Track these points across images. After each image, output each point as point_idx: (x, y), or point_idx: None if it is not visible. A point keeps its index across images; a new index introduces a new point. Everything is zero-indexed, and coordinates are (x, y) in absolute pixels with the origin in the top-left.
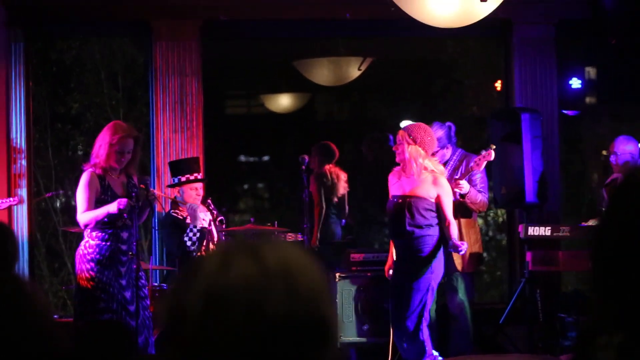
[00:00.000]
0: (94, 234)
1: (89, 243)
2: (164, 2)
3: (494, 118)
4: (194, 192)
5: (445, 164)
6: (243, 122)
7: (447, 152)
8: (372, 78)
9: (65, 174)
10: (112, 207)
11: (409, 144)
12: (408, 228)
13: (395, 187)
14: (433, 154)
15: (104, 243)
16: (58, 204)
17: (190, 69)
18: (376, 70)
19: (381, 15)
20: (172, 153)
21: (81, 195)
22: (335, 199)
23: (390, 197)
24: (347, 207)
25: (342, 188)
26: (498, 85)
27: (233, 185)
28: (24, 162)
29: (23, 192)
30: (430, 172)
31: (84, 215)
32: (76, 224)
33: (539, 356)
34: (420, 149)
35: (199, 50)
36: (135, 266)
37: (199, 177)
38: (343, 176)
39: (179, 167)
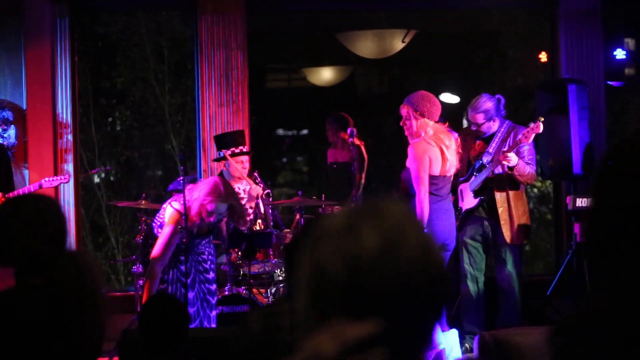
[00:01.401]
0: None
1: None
2: None
3: (540, 89)
4: (240, 165)
5: (492, 135)
6: (284, 96)
7: (494, 125)
8: (413, 51)
9: (108, 149)
10: None
11: (416, 118)
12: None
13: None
14: (443, 123)
15: None
16: (99, 179)
17: (235, 42)
18: (417, 44)
19: None
20: (218, 127)
21: None
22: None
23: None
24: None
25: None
26: (543, 56)
27: (271, 159)
28: (70, 137)
29: (69, 167)
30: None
31: None
32: (123, 198)
33: None
34: (428, 120)
35: (243, 23)
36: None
37: (245, 149)
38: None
39: (224, 141)
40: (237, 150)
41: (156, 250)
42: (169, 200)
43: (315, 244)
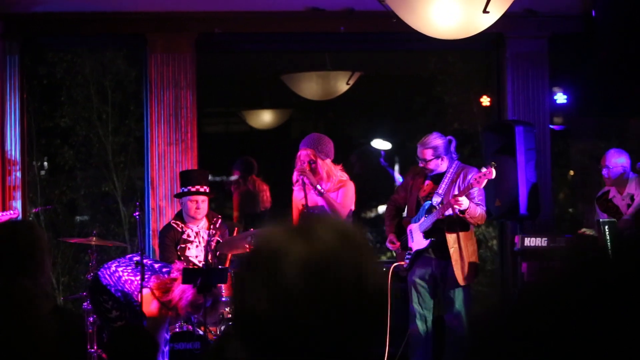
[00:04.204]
0: None
1: None
2: (159, 15)
3: (488, 131)
4: (194, 204)
5: (441, 175)
6: (220, 140)
7: (442, 164)
8: (350, 95)
9: (51, 189)
10: None
11: (322, 159)
12: None
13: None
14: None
15: None
16: (41, 219)
17: (185, 81)
18: (355, 87)
19: (374, 29)
20: (167, 165)
21: None
22: (259, 211)
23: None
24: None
25: (266, 201)
26: (484, 100)
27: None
28: (18, 174)
29: (18, 204)
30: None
31: None
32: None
33: None
34: (329, 161)
35: (193, 62)
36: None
37: (201, 189)
38: (265, 188)
39: (182, 178)
40: (193, 189)
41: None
42: (145, 283)
43: (240, 276)
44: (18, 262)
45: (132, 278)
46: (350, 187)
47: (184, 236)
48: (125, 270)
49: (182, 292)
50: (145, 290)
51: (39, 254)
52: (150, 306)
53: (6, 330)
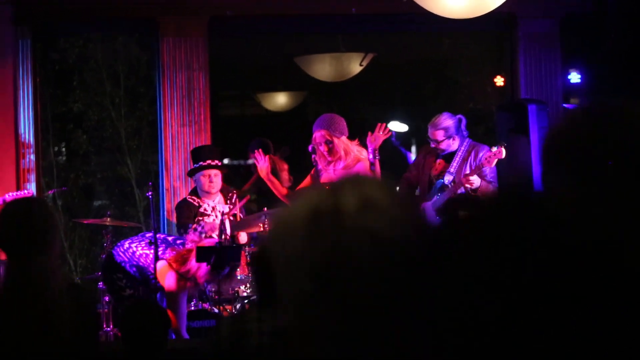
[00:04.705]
0: None
1: None
2: None
3: (501, 110)
4: (206, 179)
5: (453, 154)
6: (236, 123)
7: (454, 143)
8: (365, 78)
9: (67, 173)
10: None
11: (338, 137)
12: None
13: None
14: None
15: None
16: (56, 202)
17: (197, 64)
18: (369, 70)
19: (386, 10)
20: (180, 147)
21: None
22: None
23: None
24: None
25: (286, 180)
26: (498, 80)
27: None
28: (32, 157)
29: (32, 187)
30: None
31: None
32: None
33: None
34: (344, 138)
35: (206, 46)
36: None
37: (212, 163)
38: (285, 167)
39: (194, 154)
40: (204, 164)
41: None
42: (162, 255)
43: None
44: (32, 238)
45: (147, 252)
46: (367, 163)
47: (201, 210)
48: (139, 246)
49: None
50: (162, 263)
51: (52, 231)
52: (168, 280)
53: (22, 306)
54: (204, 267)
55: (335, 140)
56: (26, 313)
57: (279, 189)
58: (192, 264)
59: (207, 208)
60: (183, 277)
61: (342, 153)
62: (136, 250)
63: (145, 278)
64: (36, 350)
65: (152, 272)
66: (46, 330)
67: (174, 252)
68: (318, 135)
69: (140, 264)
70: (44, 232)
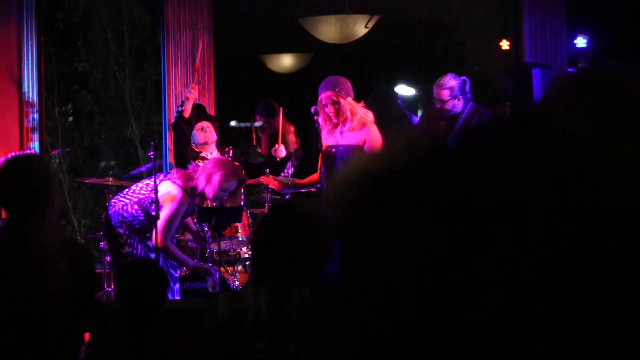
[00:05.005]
0: None
1: None
2: None
3: (505, 74)
4: (200, 132)
5: (457, 116)
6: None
7: (459, 104)
8: (371, 40)
9: (71, 133)
10: None
11: (344, 98)
12: None
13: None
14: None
15: None
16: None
17: (202, 23)
18: (376, 33)
19: None
20: None
21: None
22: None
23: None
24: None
25: (292, 142)
26: (504, 44)
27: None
28: (36, 116)
29: (35, 146)
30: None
31: None
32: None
33: None
34: (350, 99)
35: (210, 5)
36: None
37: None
38: (291, 129)
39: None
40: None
41: (160, 235)
42: (161, 179)
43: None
44: (31, 195)
45: (144, 193)
46: (374, 126)
47: (202, 154)
48: (136, 186)
49: (208, 175)
50: (166, 183)
51: (51, 188)
52: (173, 192)
53: (17, 263)
54: (214, 184)
55: (342, 100)
56: (20, 271)
57: (305, 182)
58: (200, 181)
59: (208, 155)
60: (190, 193)
61: (349, 114)
62: (134, 189)
63: (146, 213)
64: (29, 307)
65: (154, 199)
66: (40, 287)
67: (179, 172)
68: (324, 96)
69: (139, 199)
70: (43, 189)
